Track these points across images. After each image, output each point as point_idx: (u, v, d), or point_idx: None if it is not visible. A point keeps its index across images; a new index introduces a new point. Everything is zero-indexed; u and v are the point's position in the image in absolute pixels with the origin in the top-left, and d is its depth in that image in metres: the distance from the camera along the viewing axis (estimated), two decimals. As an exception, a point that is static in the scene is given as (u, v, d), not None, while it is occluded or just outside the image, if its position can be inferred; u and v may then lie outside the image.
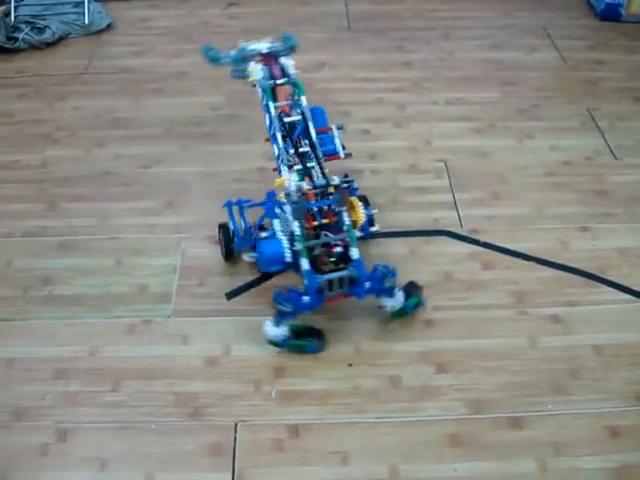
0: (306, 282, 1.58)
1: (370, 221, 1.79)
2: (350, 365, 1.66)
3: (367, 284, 1.62)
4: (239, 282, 1.83)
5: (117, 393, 1.61)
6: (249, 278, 1.83)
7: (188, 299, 1.80)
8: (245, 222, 1.83)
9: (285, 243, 1.62)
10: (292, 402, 1.60)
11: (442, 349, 1.70)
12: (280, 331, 1.63)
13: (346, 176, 1.68)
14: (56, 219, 2.02)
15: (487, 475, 1.49)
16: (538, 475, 1.49)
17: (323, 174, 1.68)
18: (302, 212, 1.61)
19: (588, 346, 1.70)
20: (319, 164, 1.71)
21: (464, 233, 1.96)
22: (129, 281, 1.85)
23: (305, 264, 1.59)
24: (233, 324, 1.73)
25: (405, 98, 2.45)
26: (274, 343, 1.65)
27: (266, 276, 1.82)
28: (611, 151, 2.24)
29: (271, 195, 1.78)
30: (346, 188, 1.64)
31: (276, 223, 1.67)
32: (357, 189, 1.79)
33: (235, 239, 1.82)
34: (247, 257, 1.74)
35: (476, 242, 1.93)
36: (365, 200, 1.86)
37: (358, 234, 1.66)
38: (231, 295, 1.79)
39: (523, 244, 1.93)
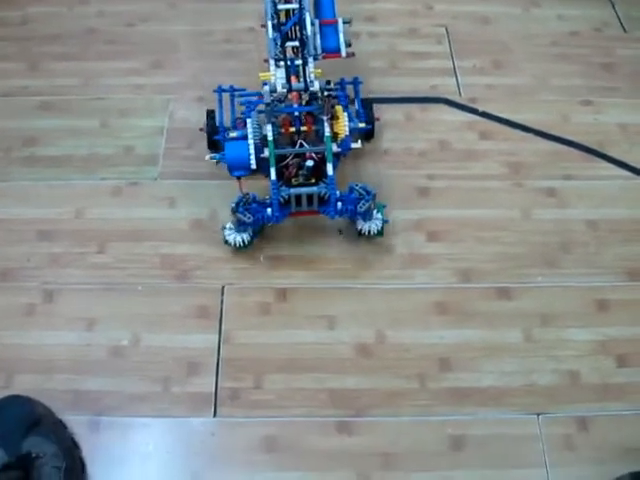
0: (271, 193, 1.49)
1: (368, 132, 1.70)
2: (340, 233, 1.64)
3: (339, 204, 1.51)
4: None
5: (103, 255, 1.59)
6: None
7: (175, 162, 1.75)
8: (233, 114, 1.70)
9: (251, 147, 1.49)
10: (280, 266, 1.58)
11: (435, 218, 1.67)
12: (240, 238, 1.55)
13: (328, 83, 1.54)
14: (38, 79, 1.93)
15: (473, 343, 1.49)
16: (524, 344, 1.49)
17: (305, 76, 1.53)
18: (275, 116, 1.49)
19: (582, 221, 1.67)
20: (304, 64, 1.54)
21: (462, 101, 1.89)
22: (115, 143, 1.79)
23: (272, 173, 1.49)
24: (221, 188, 1.68)
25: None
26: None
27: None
28: (620, 23, 2.13)
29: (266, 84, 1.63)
30: (327, 97, 1.49)
31: (249, 123, 1.53)
32: (347, 96, 1.66)
33: (220, 131, 1.69)
34: (208, 157, 1.56)
35: (474, 111, 1.87)
36: (370, 106, 1.75)
37: (336, 149, 1.53)
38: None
39: (522, 115, 1.86)
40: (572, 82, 1.96)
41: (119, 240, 1.61)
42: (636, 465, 1.35)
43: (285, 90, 1.51)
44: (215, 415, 1.40)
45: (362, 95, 1.76)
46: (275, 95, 1.50)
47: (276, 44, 1.58)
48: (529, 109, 1.88)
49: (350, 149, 1.58)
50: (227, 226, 1.57)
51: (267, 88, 1.49)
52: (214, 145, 1.72)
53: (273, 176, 1.50)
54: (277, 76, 1.55)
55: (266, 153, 1.49)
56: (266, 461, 1.36)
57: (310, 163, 1.51)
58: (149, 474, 1.34)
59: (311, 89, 1.50)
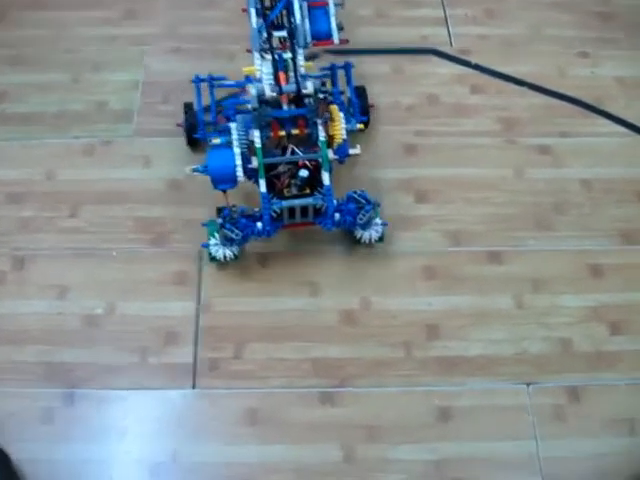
0: (262, 207, 1.36)
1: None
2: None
3: (337, 215, 1.39)
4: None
5: (75, 219, 1.52)
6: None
7: (151, 118, 1.66)
8: (213, 107, 1.54)
9: (237, 157, 1.35)
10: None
11: (423, 177, 1.59)
12: (228, 252, 1.42)
13: (323, 84, 1.38)
14: (6, 31, 1.83)
15: (461, 309, 1.44)
16: (514, 311, 1.44)
17: (296, 75, 1.38)
18: (264, 121, 1.35)
19: (576, 180, 1.60)
20: (294, 59, 1.39)
21: (453, 53, 1.80)
22: (88, 98, 1.69)
23: (262, 185, 1.35)
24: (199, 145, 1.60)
25: None
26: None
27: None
28: (620, -30, 2.03)
29: (250, 81, 1.45)
30: (322, 99, 1.36)
31: (233, 128, 1.38)
32: (342, 92, 1.54)
33: (199, 128, 1.54)
34: (189, 170, 1.38)
35: (466, 63, 1.78)
36: (363, 92, 1.61)
37: (332, 156, 1.39)
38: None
39: (516, 68, 1.77)
40: (568, 33, 1.86)
41: (92, 203, 1.54)
42: (626, 438, 1.31)
43: (275, 94, 1.36)
44: (194, 387, 1.35)
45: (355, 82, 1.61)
46: (255, 102, 1.34)
47: (261, 34, 1.42)
48: (523, 61, 1.79)
49: (348, 155, 1.44)
50: (211, 241, 1.42)
51: (253, 91, 1.33)
52: (194, 142, 1.58)
53: (263, 188, 1.35)
54: (263, 72, 1.39)
55: (254, 163, 1.35)
56: (248, 434, 1.31)
57: (304, 173, 1.35)
58: (127, 449, 1.30)
59: (304, 92, 1.35)
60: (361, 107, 1.59)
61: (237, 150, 1.35)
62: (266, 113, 1.35)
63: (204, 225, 1.43)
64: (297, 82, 1.36)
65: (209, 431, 1.32)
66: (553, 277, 1.48)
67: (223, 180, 1.36)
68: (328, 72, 1.57)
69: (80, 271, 1.46)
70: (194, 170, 1.36)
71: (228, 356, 1.38)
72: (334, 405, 1.34)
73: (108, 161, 1.60)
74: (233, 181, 1.36)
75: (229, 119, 1.43)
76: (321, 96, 1.35)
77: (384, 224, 1.46)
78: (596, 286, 1.47)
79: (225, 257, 1.42)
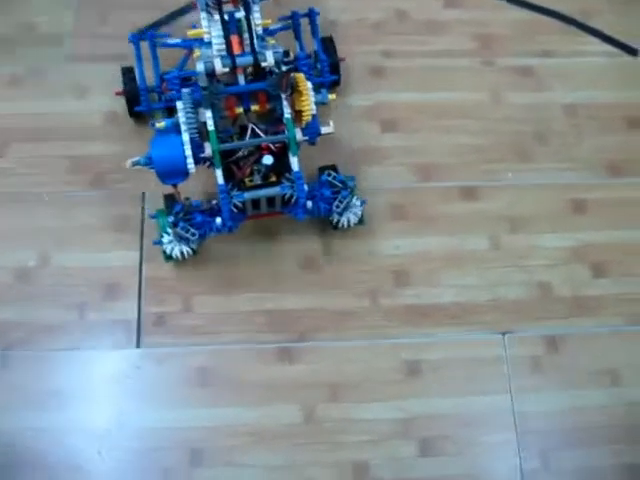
0: (220, 201, 1.16)
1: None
2: None
3: (309, 204, 1.20)
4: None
5: (2, 159, 1.36)
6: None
7: (86, 41, 1.47)
8: (157, 71, 1.32)
9: (187, 146, 1.12)
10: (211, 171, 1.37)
11: (391, 103, 1.44)
12: (185, 249, 1.23)
13: (287, 54, 1.16)
14: None
15: (432, 252, 1.32)
16: (490, 253, 1.33)
17: (252, 40, 1.15)
18: (217, 99, 1.14)
19: (559, 105, 1.45)
20: (248, 17, 1.17)
21: (424, -40, 1.61)
22: (12, 20, 1.49)
23: (219, 177, 1.15)
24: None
25: None
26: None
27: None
28: None
29: (199, 44, 1.22)
30: (287, 72, 1.15)
31: (180, 107, 1.14)
32: (309, 56, 1.32)
33: (142, 98, 1.32)
34: (129, 163, 1.14)
35: (439, -27, 1.59)
36: (330, 44, 1.38)
37: (301, 137, 1.18)
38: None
39: (495, -24, 1.60)
40: None
41: (20, 141, 1.37)
42: (608, 389, 1.22)
43: (227, 69, 1.14)
44: (139, 345, 1.24)
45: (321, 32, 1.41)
46: (203, 79, 1.14)
47: None
48: (503, -30, 1.61)
49: (320, 135, 1.21)
50: (164, 238, 1.22)
51: (201, 67, 1.12)
52: (137, 115, 1.36)
53: (220, 180, 1.15)
54: (212, 35, 1.16)
55: (208, 151, 1.15)
56: (200, 396, 1.21)
57: (269, 160, 1.16)
58: (67, 416, 1.19)
59: (263, 64, 1.14)
60: (330, 64, 1.38)
61: (186, 136, 1.12)
62: (218, 90, 1.14)
63: (152, 217, 1.24)
64: (253, 50, 1.15)
65: (156, 394, 1.21)
66: (532, 215, 1.35)
67: (171, 174, 1.14)
68: (288, 22, 1.37)
69: (9, 219, 1.31)
70: (135, 163, 1.14)
71: (175, 310, 1.26)
72: (293, 362, 1.23)
73: (38, 92, 1.42)
74: (183, 174, 1.14)
75: (174, 87, 1.18)
76: (284, 68, 1.15)
77: (362, 203, 1.26)
78: (579, 224, 1.35)
79: (183, 255, 1.23)
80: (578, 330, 1.27)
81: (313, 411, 1.20)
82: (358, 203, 1.25)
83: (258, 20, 1.20)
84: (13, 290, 1.26)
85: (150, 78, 1.34)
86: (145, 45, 1.36)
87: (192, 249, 1.23)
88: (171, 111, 1.27)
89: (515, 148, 1.41)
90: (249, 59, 1.14)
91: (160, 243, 1.23)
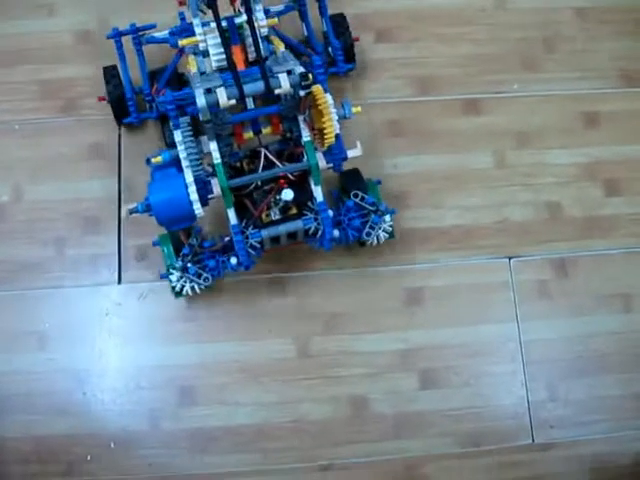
0: (235, 244, 1.01)
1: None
2: None
3: (335, 233, 1.06)
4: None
5: (-35, 86, 1.27)
6: None
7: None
8: (144, 71, 1.15)
9: (192, 188, 0.96)
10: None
11: (385, 10, 1.32)
12: (196, 285, 1.07)
13: (304, 76, 0.94)
14: None
15: (433, 172, 1.24)
16: (495, 171, 1.24)
17: (259, 54, 0.96)
18: (223, 130, 0.98)
19: (569, 9, 1.34)
20: (251, 23, 0.97)
21: None
22: None
23: (231, 217, 1.00)
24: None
25: None
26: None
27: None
28: None
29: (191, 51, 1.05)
30: (306, 95, 0.95)
31: (179, 139, 0.97)
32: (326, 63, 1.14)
33: (129, 107, 1.17)
34: (125, 211, 1.00)
35: None
36: (342, 23, 1.20)
37: (324, 165, 1.02)
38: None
39: None
40: None
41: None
42: (619, 315, 1.15)
43: (234, 102, 0.95)
44: (120, 282, 1.17)
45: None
46: (204, 113, 0.94)
47: None
48: None
49: (346, 159, 1.04)
50: (172, 275, 1.06)
51: (202, 101, 0.93)
52: (123, 118, 1.19)
53: (233, 220, 0.99)
54: (208, 44, 0.99)
55: (216, 190, 0.99)
56: (187, 331, 1.15)
57: (289, 196, 0.99)
58: (48, 357, 1.13)
59: (277, 92, 0.95)
60: (344, 49, 1.21)
61: (189, 176, 0.96)
62: (225, 121, 0.97)
63: (155, 245, 1.10)
64: (263, 73, 0.94)
65: (140, 331, 1.15)
66: (540, 129, 1.26)
67: (175, 221, 0.99)
68: (294, 5, 1.19)
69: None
70: (131, 212, 1.00)
71: (158, 242, 1.18)
72: (286, 295, 1.16)
73: (1, 11, 1.31)
74: (189, 219, 0.99)
75: (170, 114, 0.98)
76: (302, 93, 0.95)
77: (392, 213, 1.10)
78: (590, 138, 1.26)
79: (194, 291, 1.08)
80: (589, 253, 1.19)
81: (306, 344, 1.14)
82: (388, 218, 1.09)
83: (262, 21, 1.02)
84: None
85: (136, 77, 1.18)
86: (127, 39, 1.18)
87: (205, 285, 1.07)
88: (165, 119, 1.12)
89: (522, 57, 1.30)
90: (259, 87, 0.95)
91: (167, 278, 1.08)
